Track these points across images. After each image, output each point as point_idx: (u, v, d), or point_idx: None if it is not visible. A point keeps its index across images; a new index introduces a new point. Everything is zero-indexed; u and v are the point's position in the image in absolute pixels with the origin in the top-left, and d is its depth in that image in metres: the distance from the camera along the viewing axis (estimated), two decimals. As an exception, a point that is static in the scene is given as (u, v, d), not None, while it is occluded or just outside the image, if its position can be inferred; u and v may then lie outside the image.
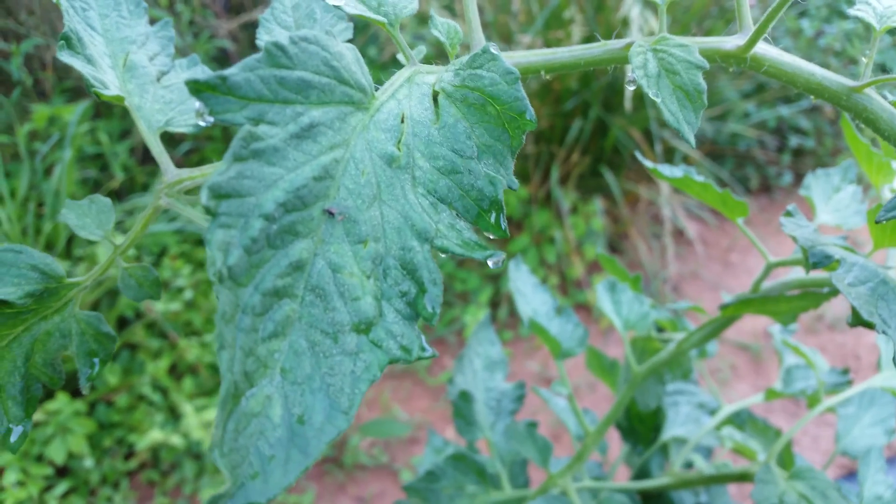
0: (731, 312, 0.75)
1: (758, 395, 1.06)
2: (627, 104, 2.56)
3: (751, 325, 2.95)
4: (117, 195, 3.04)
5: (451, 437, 2.63)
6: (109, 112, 3.23)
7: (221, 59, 3.23)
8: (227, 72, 0.28)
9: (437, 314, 0.30)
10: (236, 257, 0.27)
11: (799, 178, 3.59)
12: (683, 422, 1.09)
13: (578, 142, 2.86)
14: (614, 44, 0.44)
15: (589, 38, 2.61)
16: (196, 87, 0.27)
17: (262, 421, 0.26)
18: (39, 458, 2.40)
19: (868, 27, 0.51)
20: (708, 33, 2.95)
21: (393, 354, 0.29)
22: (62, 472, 2.43)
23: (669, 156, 3.10)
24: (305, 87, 0.30)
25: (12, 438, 0.54)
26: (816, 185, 0.88)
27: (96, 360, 0.53)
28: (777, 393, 1.05)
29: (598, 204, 2.97)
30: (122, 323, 2.73)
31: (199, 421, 2.42)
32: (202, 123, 0.30)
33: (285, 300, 0.28)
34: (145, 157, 3.22)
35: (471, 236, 0.32)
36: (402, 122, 0.33)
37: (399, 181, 0.32)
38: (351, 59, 0.32)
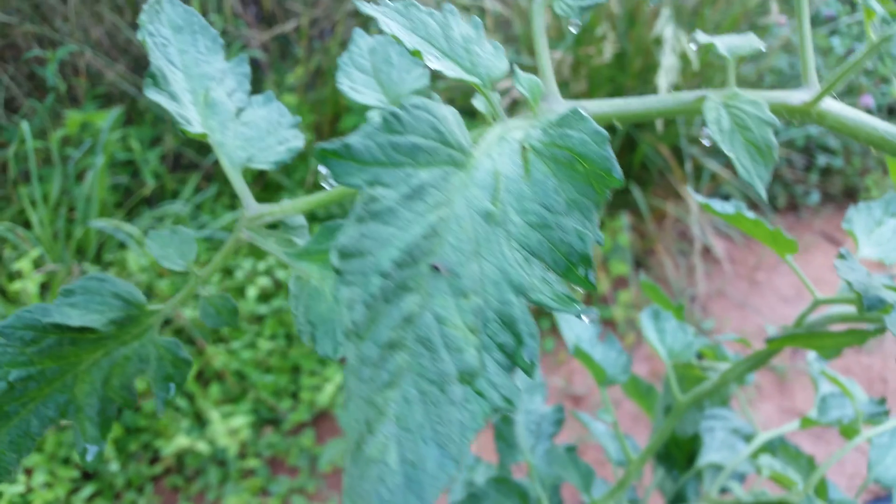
0: (778, 346, 0.76)
1: (793, 422, 1.07)
2: (658, 121, 2.58)
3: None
4: (148, 202, 3.08)
5: (473, 452, 2.64)
6: (141, 119, 3.29)
7: (253, 69, 3.27)
8: (349, 139, 0.30)
9: (535, 366, 0.32)
10: (359, 313, 0.29)
11: (826, 196, 3.58)
12: (719, 448, 1.10)
13: (605, 158, 2.86)
14: (686, 95, 0.46)
15: (620, 56, 2.62)
16: (323, 154, 0.30)
17: (381, 467, 0.28)
18: (66, 461, 2.43)
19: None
20: (737, 52, 2.95)
21: (496, 405, 0.31)
22: (88, 475, 2.47)
23: (699, 173, 3.10)
24: (415, 151, 0.32)
25: (88, 457, 0.57)
26: (858, 218, 0.89)
27: (172, 384, 0.55)
28: (813, 421, 1.06)
29: (624, 219, 2.98)
30: (151, 328, 2.76)
31: (225, 428, 2.45)
32: (327, 187, 0.32)
33: (398, 352, 0.30)
34: (176, 164, 3.26)
35: (562, 290, 0.34)
36: (497, 179, 0.35)
37: (495, 236, 0.34)
38: (453, 122, 0.34)
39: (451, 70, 0.38)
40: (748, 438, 1.18)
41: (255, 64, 3.30)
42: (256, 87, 3.12)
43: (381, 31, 0.42)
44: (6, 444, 0.54)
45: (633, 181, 2.99)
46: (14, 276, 2.70)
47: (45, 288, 2.66)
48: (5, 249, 2.78)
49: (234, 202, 3.16)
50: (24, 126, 2.86)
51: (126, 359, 0.55)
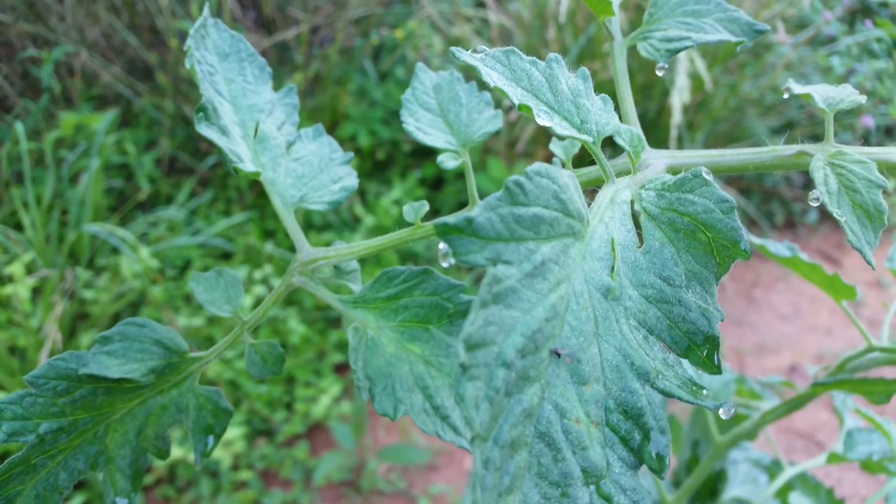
0: (824, 390, 0.74)
1: (820, 457, 1.04)
2: (673, 137, 2.56)
3: (774, 363, 2.93)
4: (142, 206, 3.03)
5: (469, 466, 2.60)
6: (136, 122, 3.23)
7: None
8: (472, 214, 0.27)
9: (667, 466, 0.29)
10: (483, 413, 0.26)
11: (824, 215, 3.58)
12: (742, 481, 1.07)
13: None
14: (784, 150, 0.43)
15: (630, 73, 2.59)
16: (444, 230, 0.26)
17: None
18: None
19: None
20: (741, 67, 2.95)
21: (625, 511, 0.28)
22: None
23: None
24: (537, 223, 0.29)
25: (118, 511, 0.53)
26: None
27: (211, 436, 0.52)
28: (840, 457, 1.03)
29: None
30: (143, 336, 2.71)
31: (219, 440, 2.40)
32: (444, 265, 0.29)
33: (518, 450, 0.27)
34: (171, 168, 3.21)
35: (687, 375, 0.31)
36: (612, 248, 0.32)
37: (614, 314, 0.31)
38: (573, 189, 0.31)
39: (561, 127, 0.35)
40: (769, 470, 1.15)
41: (253, 68, 3.25)
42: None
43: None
44: (32, 499, 0.51)
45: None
46: (5, 279, 2.64)
47: (36, 293, 2.60)
48: (-5, 252, 2.72)
49: (228, 208, 3.12)
50: (19, 127, 2.80)
51: (163, 408, 0.52)
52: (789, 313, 3.14)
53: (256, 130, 0.51)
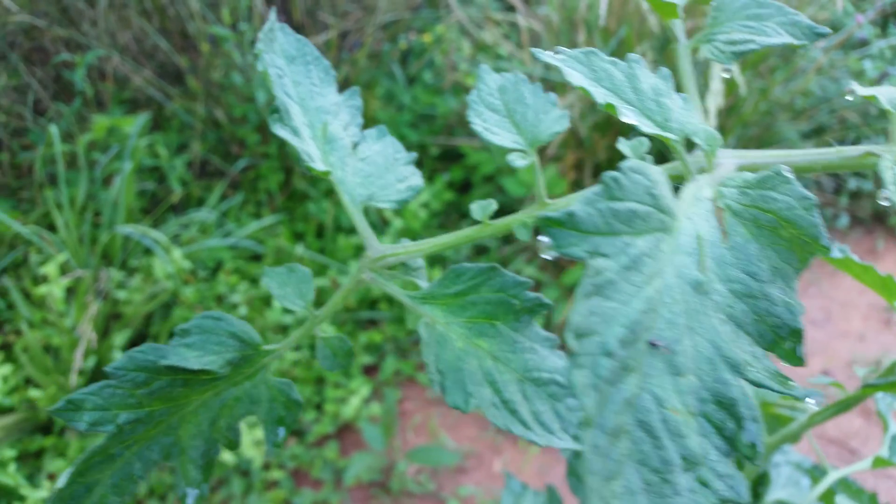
0: (873, 392, 0.74)
1: (865, 461, 1.04)
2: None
3: (805, 369, 2.91)
4: (173, 209, 3.07)
5: (498, 469, 2.61)
6: (168, 125, 3.27)
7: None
8: (573, 208, 0.28)
9: (759, 454, 0.30)
10: (590, 400, 0.27)
11: (855, 220, 3.55)
12: (784, 484, 1.07)
13: (634, 175, 2.84)
14: (850, 150, 0.44)
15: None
16: (547, 223, 0.28)
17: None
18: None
19: None
20: (772, 71, 2.94)
21: (723, 496, 0.29)
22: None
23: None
24: (632, 218, 0.30)
25: (189, 501, 0.55)
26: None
27: (282, 428, 0.53)
28: (885, 461, 1.03)
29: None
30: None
31: (251, 439, 2.43)
32: (548, 257, 0.30)
33: (621, 438, 0.28)
34: (202, 171, 3.25)
35: (774, 367, 0.32)
36: (700, 243, 0.33)
37: (704, 308, 0.32)
38: (664, 185, 0.32)
39: (645, 125, 0.36)
40: (811, 473, 1.15)
41: (283, 72, 3.28)
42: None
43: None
44: (109, 487, 0.52)
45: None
46: (39, 280, 2.69)
47: (70, 293, 2.64)
48: (31, 253, 2.76)
49: (259, 211, 3.15)
50: (53, 129, 2.85)
51: (236, 399, 0.53)
52: (820, 318, 3.12)
53: (324, 131, 0.53)
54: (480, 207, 0.48)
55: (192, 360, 0.49)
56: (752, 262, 0.33)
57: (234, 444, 0.55)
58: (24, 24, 3.12)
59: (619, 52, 2.61)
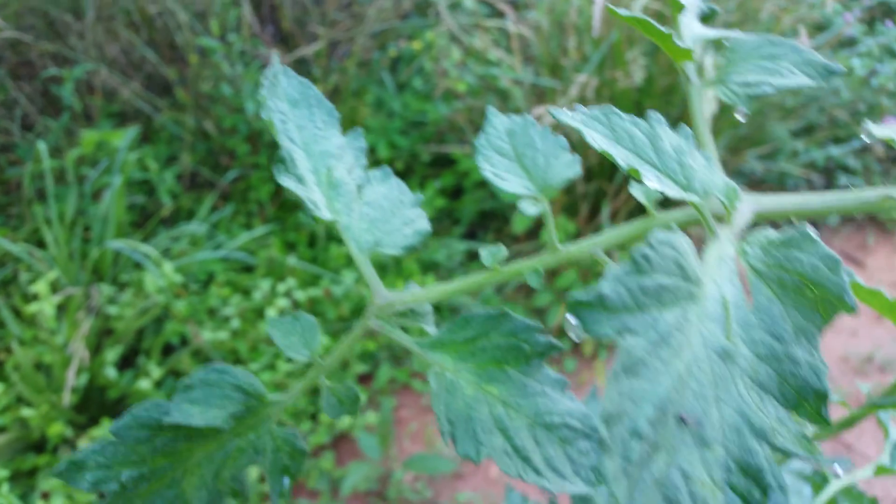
0: (878, 409, 0.74)
1: (866, 468, 1.04)
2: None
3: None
4: (163, 221, 3.05)
5: (495, 475, 2.61)
6: (157, 138, 3.25)
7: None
8: (603, 289, 0.27)
9: (789, 528, 0.29)
10: (622, 487, 0.26)
11: (845, 218, 3.56)
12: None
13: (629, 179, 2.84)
14: (867, 194, 0.43)
15: (649, 80, 2.60)
16: (577, 305, 0.27)
17: None
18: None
19: None
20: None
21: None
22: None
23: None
24: (660, 291, 0.29)
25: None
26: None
27: (287, 477, 0.52)
28: (887, 469, 1.03)
29: (644, 241, 2.95)
30: (168, 350, 2.73)
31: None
32: (575, 339, 0.30)
33: (651, 523, 0.27)
34: (192, 183, 3.23)
35: (800, 431, 0.31)
36: (725, 308, 0.32)
37: (731, 375, 0.31)
38: (690, 253, 0.31)
39: (671, 189, 0.35)
40: (811, 481, 1.15)
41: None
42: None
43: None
44: (114, 543, 0.51)
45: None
46: (30, 297, 2.66)
47: (61, 310, 2.62)
48: (20, 270, 2.74)
49: (249, 221, 3.13)
50: (41, 145, 2.82)
51: (240, 450, 0.52)
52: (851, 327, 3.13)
53: (329, 176, 0.52)
54: (490, 254, 0.48)
55: (196, 415, 0.48)
56: (776, 323, 0.33)
57: (239, 494, 0.54)
58: (10, 39, 3.09)
59: (611, 57, 2.60)
